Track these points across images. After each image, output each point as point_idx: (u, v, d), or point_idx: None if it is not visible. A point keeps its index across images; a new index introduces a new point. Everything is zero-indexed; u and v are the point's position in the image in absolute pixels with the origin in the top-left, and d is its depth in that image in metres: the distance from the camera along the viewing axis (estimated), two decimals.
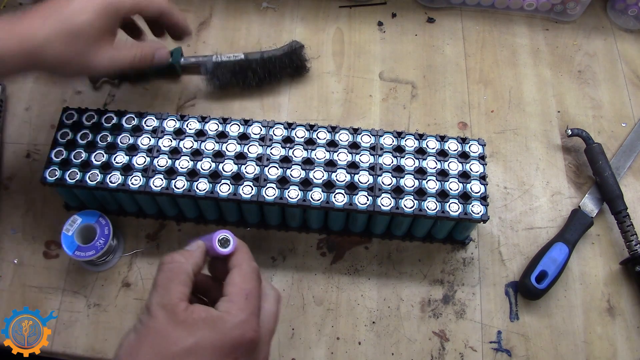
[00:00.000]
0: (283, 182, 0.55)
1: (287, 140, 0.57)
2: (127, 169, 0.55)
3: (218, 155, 0.56)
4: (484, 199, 0.55)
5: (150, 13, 0.53)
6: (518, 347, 0.58)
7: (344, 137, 0.57)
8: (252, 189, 0.54)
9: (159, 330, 0.37)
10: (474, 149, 0.58)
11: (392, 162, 0.56)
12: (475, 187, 0.55)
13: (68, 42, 0.46)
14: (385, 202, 0.54)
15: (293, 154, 0.56)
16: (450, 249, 0.63)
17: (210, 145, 0.57)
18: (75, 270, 0.60)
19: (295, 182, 0.55)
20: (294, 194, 0.54)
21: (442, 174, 0.56)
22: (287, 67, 0.71)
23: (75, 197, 0.61)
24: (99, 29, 0.47)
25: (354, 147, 0.57)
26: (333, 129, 0.58)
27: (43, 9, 0.47)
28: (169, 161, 0.56)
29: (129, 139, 0.57)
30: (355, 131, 0.58)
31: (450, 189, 0.55)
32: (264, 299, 0.42)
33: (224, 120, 0.58)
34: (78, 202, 0.62)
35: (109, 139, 0.57)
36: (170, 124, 0.58)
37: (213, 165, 0.55)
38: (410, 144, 0.57)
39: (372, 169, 0.56)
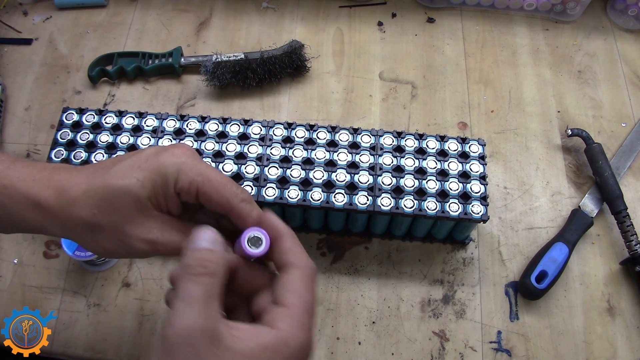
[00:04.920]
0: (283, 182, 0.55)
1: (287, 140, 0.57)
2: None
3: (218, 155, 0.56)
4: (484, 199, 0.55)
5: (213, 206, 0.37)
6: (518, 347, 0.58)
7: (344, 137, 0.57)
8: (252, 189, 0.54)
9: None
10: (474, 149, 0.58)
11: (392, 162, 0.56)
12: (475, 187, 0.55)
13: (102, 206, 0.36)
14: (385, 202, 0.54)
15: (293, 154, 0.56)
16: (450, 249, 0.63)
17: (210, 145, 0.57)
18: (75, 270, 0.60)
19: (295, 182, 0.55)
20: (294, 193, 0.54)
21: (442, 174, 0.56)
22: (287, 67, 0.71)
23: None
24: (139, 199, 0.36)
25: (354, 147, 0.57)
26: (333, 129, 0.58)
27: (88, 166, 0.39)
28: None
29: (129, 139, 0.57)
30: (355, 131, 0.58)
31: (450, 189, 0.55)
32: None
33: (224, 120, 0.58)
34: None
35: (109, 139, 0.57)
36: (170, 124, 0.58)
37: (213, 165, 0.55)
38: (410, 144, 0.57)
39: (372, 169, 0.56)
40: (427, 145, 0.57)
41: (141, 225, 0.36)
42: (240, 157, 0.56)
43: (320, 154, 0.56)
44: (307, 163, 0.56)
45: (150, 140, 0.57)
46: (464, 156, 0.57)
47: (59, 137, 0.57)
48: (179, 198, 0.38)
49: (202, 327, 0.29)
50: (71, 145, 0.57)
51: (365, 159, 0.56)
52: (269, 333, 0.31)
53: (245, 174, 0.55)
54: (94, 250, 0.38)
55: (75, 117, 0.58)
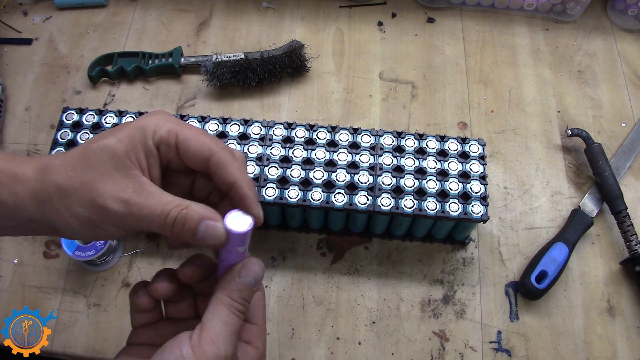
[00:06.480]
0: (283, 182, 0.55)
1: (287, 140, 0.57)
2: None
3: None
4: (484, 199, 0.55)
5: (192, 154, 0.37)
6: (518, 347, 0.58)
7: (344, 137, 0.57)
8: None
9: None
10: (474, 149, 0.58)
11: (392, 162, 0.56)
12: (475, 187, 0.55)
13: (78, 166, 0.35)
14: (385, 202, 0.54)
15: (293, 154, 0.56)
16: (450, 249, 0.63)
17: None
18: (75, 270, 0.60)
19: (295, 182, 0.55)
20: (294, 193, 0.54)
21: (442, 174, 0.56)
22: (287, 66, 0.71)
23: None
24: (116, 154, 0.35)
25: (354, 147, 0.57)
26: (333, 129, 0.58)
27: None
28: None
29: None
30: (355, 131, 0.58)
31: (450, 189, 0.55)
32: None
33: (224, 120, 0.58)
34: None
35: None
36: None
37: None
38: (410, 144, 0.57)
39: (372, 169, 0.56)
40: (427, 145, 0.57)
41: (115, 183, 0.35)
42: None
43: (320, 154, 0.56)
44: (307, 163, 0.56)
45: None
46: (464, 156, 0.57)
47: (59, 137, 0.57)
48: (159, 155, 0.37)
49: (231, 354, 0.34)
50: (71, 145, 0.57)
51: (365, 159, 0.56)
52: (255, 352, 0.37)
53: None
54: (67, 222, 0.36)
55: (75, 117, 0.58)
